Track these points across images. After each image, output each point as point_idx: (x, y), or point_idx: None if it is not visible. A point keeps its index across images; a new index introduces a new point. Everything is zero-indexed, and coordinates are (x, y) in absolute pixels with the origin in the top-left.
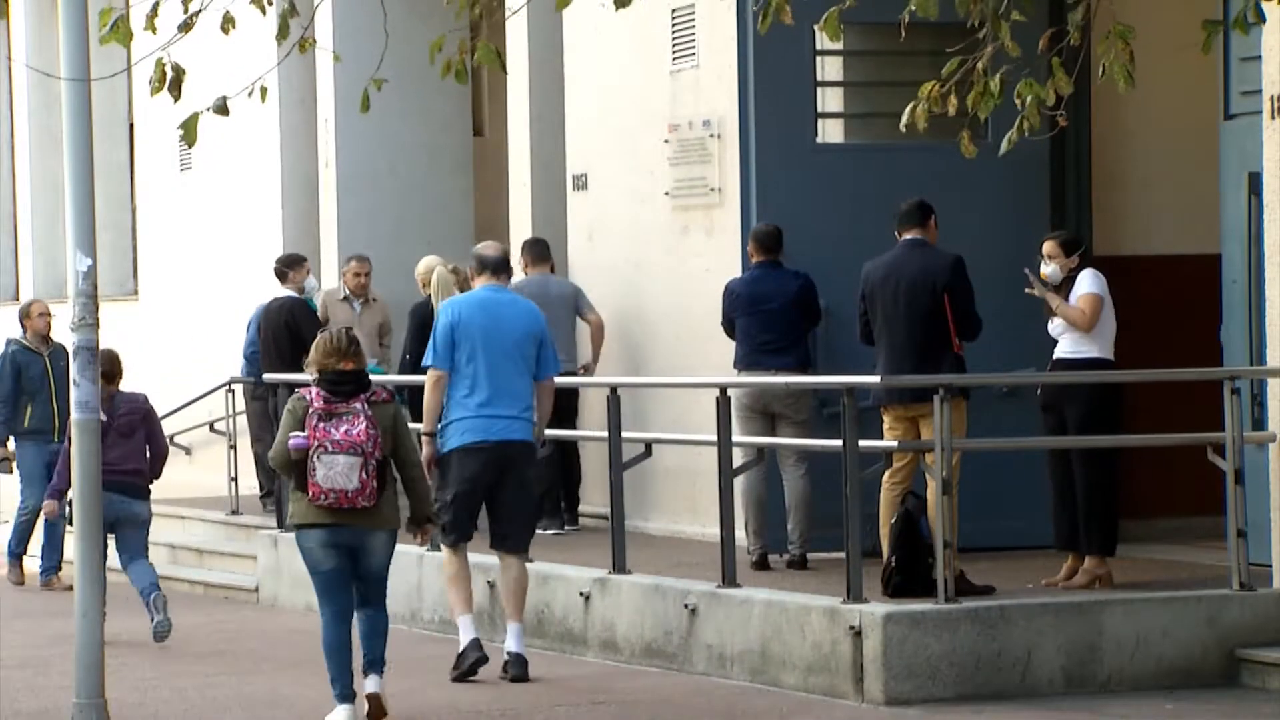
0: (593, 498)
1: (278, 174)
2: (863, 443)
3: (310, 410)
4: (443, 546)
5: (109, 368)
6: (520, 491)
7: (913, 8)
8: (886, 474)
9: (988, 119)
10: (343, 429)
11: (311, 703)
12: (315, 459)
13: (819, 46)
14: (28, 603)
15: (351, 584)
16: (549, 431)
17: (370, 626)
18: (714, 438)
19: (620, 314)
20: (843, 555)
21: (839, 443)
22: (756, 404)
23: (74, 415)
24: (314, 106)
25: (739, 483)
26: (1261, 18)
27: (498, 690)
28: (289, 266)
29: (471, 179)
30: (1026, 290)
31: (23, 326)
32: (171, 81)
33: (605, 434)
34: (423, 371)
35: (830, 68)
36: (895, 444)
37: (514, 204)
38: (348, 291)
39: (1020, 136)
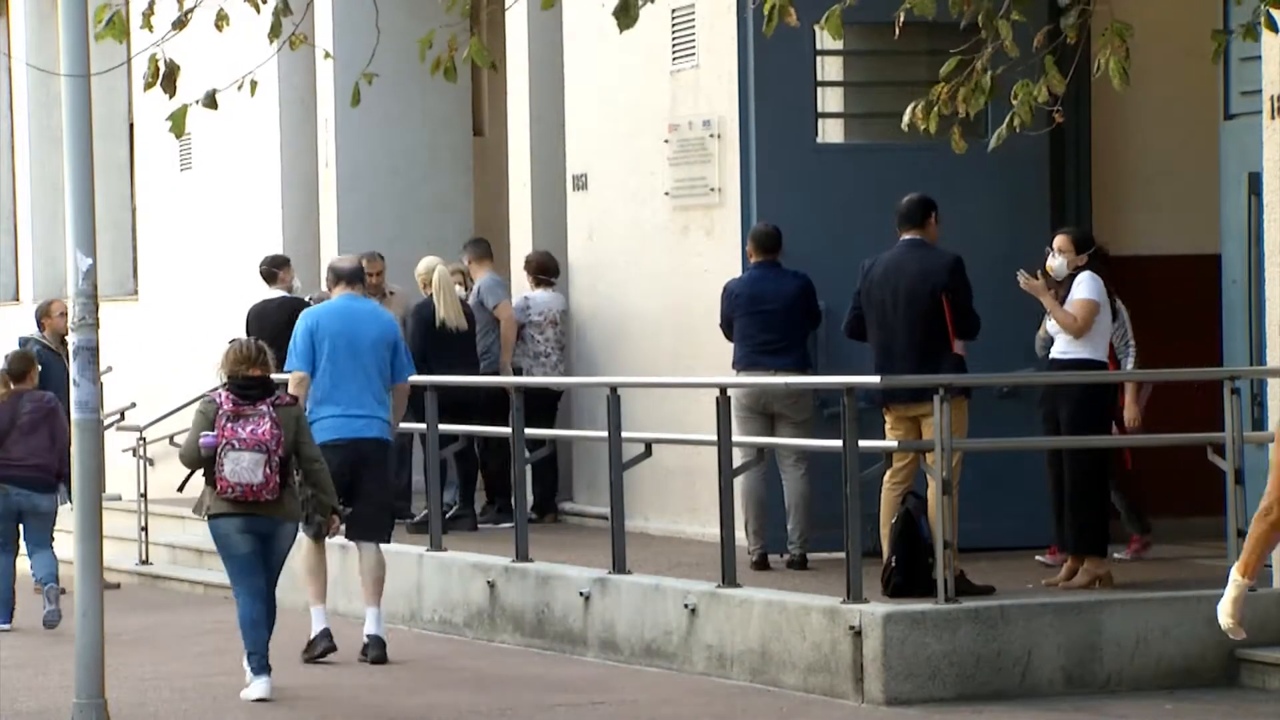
0: (593, 498)
1: (278, 174)
2: (863, 443)
3: (219, 411)
4: (305, 538)
5: (23, 366)
6: (374, 485)
7: (907, 5)
8: (887, 474)
9: (987, 117)
10: (249, 428)
11: (312, 703)
12: (223, 455)
13: (819, 46)
14: (28, 603)
15: (262, 566)
16: (546, 432)
17: (264, 618)
18: (714, 438)
19: (620, 314)
20: (842, 555)
21: (839, 443)
22: (756, 404)
23: (74, 415)
24: (314, 106)
25: (739, 483)
26: (1275, 28)
27: (498, 690)
28: (277, 267)
29: (471, 179)
30: (1021, 282)
31: (40, 325)
32: (165, 76)
33: (605, 434)
34: (422, 372)
35: (830, 68)
36: (895, 444)
37: (514, 204)
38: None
39: (1011, 133)
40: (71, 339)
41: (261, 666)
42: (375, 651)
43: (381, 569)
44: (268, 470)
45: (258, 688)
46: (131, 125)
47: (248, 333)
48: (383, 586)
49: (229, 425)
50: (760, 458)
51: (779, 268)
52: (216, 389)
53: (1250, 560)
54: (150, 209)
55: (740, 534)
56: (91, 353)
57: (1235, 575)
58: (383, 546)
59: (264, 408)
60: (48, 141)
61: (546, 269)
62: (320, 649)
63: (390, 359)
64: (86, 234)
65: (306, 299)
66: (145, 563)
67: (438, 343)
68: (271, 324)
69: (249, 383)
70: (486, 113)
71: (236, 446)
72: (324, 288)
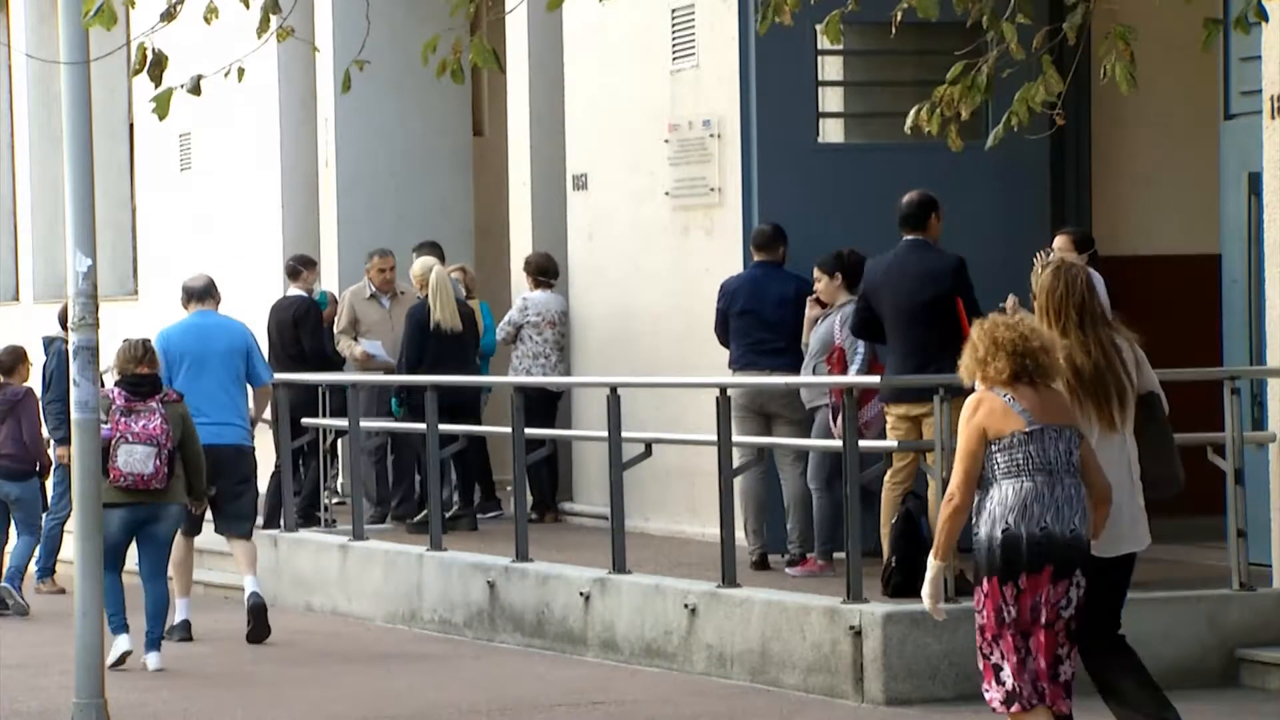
0: (593, 497)
1: (278, 174)
2: (863, 443)
3: (114, 406)
4: (178, 534)
5: (10, 361)
6: (235, 486)
7: (905, 5)
8: (888, 474)
9: (988, 117)
10: (141, 423)
11: (312, 703)
12: (117, 448)
13: (819, 46)
14: (28, 603)
15: (127, 552)
16: (546, 431)
17: (155, 605)
18: (714, 438)
19: (620, 314)
20: (842, 555)
21: (839, 443)
22: (753, 404)
23: (74, 415)
24: (314, 106)
25: (738, 483)
26: (1264, 16)
27: (498, 690)
28: (302, 265)
29: (471, 179)
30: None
31: (63, 325)
32: (151, 65)
33: (605, 434)
34: (417, 373)
35: (831, 67)
36: (895, 444)
37: (514, 204)
38: (374, 289)
39: (1010, 133)
40: (72, 339)
41: (122, 626)
42: (253, 601)
43: (252, 552)
44: (158, 462)
45: (121, 643)
46: (131, 125)
47: (267, 329)
48: (256, 562)
49: (122, 420)
50: (760, 458)
51: (777, 268)
52: (111, 387)
53: (941, 544)
54: (150, 209)
55: (741, 534)
56: (91, 353)
57: (931, 559)
58: (384, 547)
59: (154, 404)
60: (48, 141)
61: (545, 270)
62: (176, 636)
63: (245, 366)
64: (86, 234)
65: (321, 299)
66: None
67: (433, 344)
68: (277, 322)
69: (139, 380)
70: (486, 113)
71: (130, 440)
72: (320, 286)
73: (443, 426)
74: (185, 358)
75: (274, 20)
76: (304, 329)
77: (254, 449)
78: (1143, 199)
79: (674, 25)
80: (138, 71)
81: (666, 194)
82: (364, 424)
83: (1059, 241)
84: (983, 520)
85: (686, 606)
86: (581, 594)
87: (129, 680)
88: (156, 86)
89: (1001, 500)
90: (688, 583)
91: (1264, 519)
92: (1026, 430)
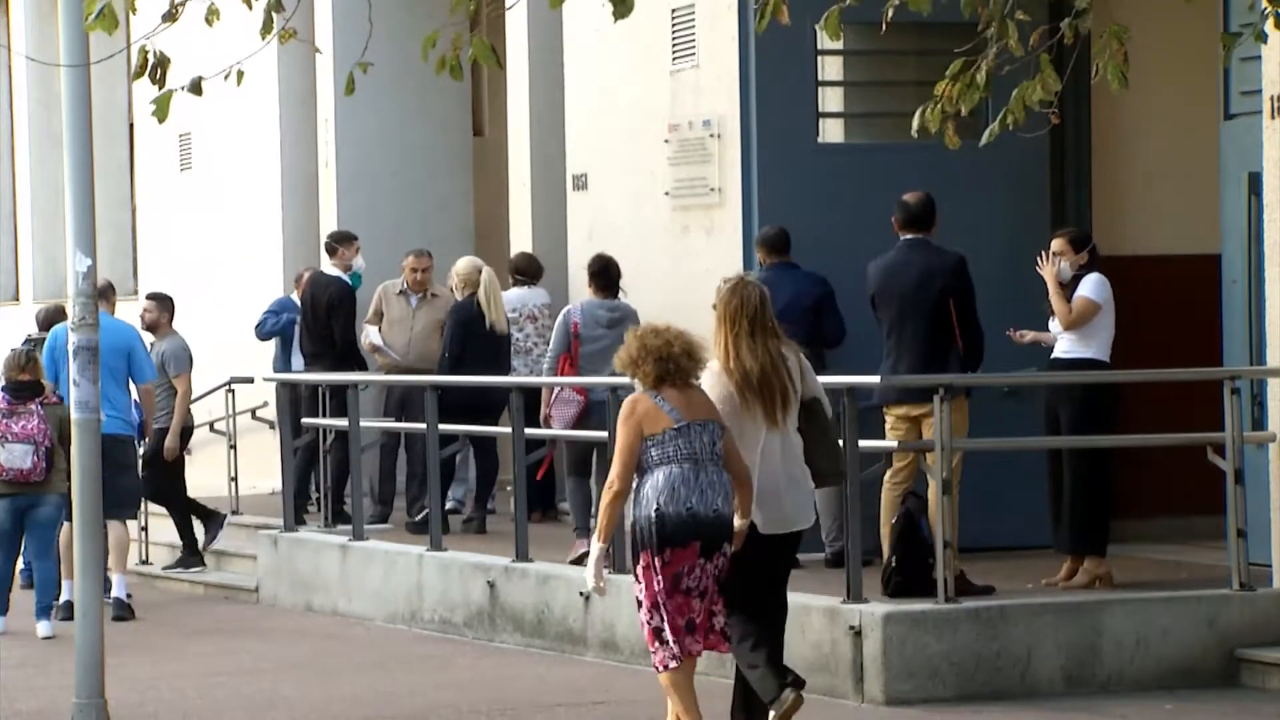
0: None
1: (278, 174)
2: (863, 443)
3: None
4: (65, 524)
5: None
6: (116, 474)
7: (897, 2)
8: (887, 474)
9: (986, 116)
10: (20, 424)
11: (312, 703)
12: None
13: (820, 46)
14: (27, 603)
15: (18, 537)
16: (546, 432)
17: (43, 578)
18: None
19: None
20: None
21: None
22: None
23: (74, 415)
24: (314, 106)
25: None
26: None
27: (498, 690)
28: (340, 243)
29: (471, 179)
30: (1037, 268)
31: (41, 327)
32: (153, 67)
33: (605, 434)
34: (455, 373)
35: (831, 67)
36: (895, 444)
37: (514, 204)
38: (405, 285)
39: (1005, 130)
40: (72, 339)
41: (4, 608)
42: (117, 611)
43: (125, 540)
44: (35, 458)
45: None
46: (131, 125)
47: (301, 301)
48: (126, 556)
49: (4, 421)
50: None
51: (795, 269)
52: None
53: (603, 526)
54: (150, 209)
55: None
56: (91, 353)
57: (594, 540)
58: (384, 547)
59: (34, 406)
60: (48, 141)
61: (522, 270)
62: (60, 615)
63: (127, 365)
64: (86, 234)
65: (356, 277)
66: (145, 562)
67: (479, 344)
68: (312, 300)
69: (20, 385)
70: (486, 113)
71: (9, 440)
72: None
73: (465, 428)
74: (65, 355)
75: (277, 21)
76: (336, 318)
77: (133, 439)
78: (1143, 199)
79: (674, 25)
80: (139, 75)
81: (666, 194)
82: (372, 423)
83: (1056, 243)
84: (639, 503)
85: None
86: (581, 594)
87: (129, 680)
88: (160, 88)
89: (654, 485)
90: None
91: (1264, 519)
92: (675, 426)
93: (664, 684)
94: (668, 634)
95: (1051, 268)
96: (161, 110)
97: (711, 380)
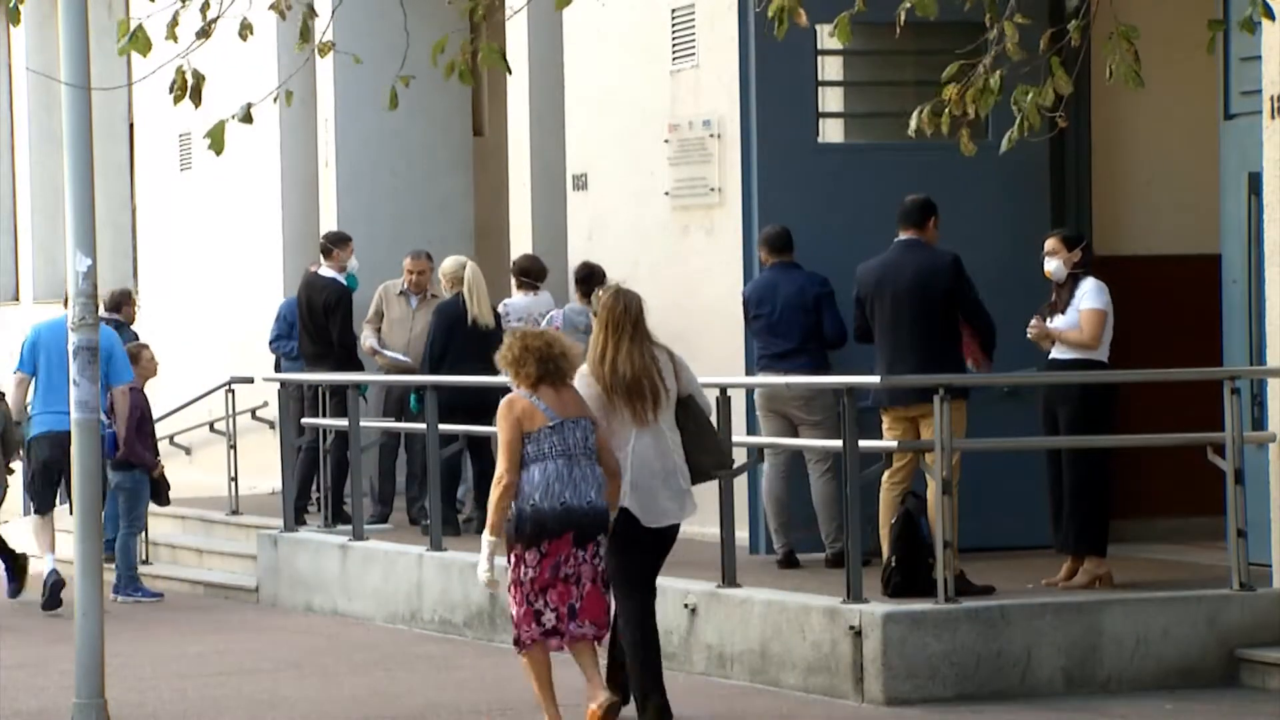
0: None
1: (278, 174)
2: (863, 443)
3: None
4: (32, 513)
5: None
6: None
7: (908, 5)
8: (886, 474)
9: (988, 118)
10: None
11: (312, 703)
12: None
13: (820, 46)
14: (28, 603)
15: None
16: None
17: None
18: None
19: None
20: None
21: (839, 443)
22: (772, 405)
23: (74, 415)
24: (314, 106)
25: (762, 482)
26: (1270, 15)
27: (498, 690)
28: (335, 244)
29: (471, 179)
30: (1031, 335)
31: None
32: (193, 89)
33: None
34: (440, 372)
35: (831, 67)
36: (895, 444)
37: (514, 204)
38: (405, 286)
39: (1021, 136)
40: (72, 339)
41: None
42: (53, 578)
43: (52, 524)
44: None
45: None
46: (131, 125)
47: (298, 303)
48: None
49: None
50: (759, 458)
51: (796, 269)
52: None
53: (493, 520)
54: (150, 209)
55: (741, 534)
56: (91, 353)
57: (485, 535)
58: (384, 547)
59: None
60: (48, 142)
61: (527, 272)
62: (50, 584)
63: (106, 367)
64: (86, 234)
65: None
66: (145, 562)
67: (466, 340)
68: (308, 301)
69: None
70: (486, 113)
71: None
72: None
73: (462, 428)
74: (45, 351)
75: (314, 33)
76: (334, 321)
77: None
78: (1143, 199)
79: (674, 25)
80: (179, 98)
81: (666, 194)
82: (372, 423)
83: (1049, 243)
84: (518, 497)
85: (686, 606)
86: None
87: (129, 680)
88: (197, 108)
89: (530, 481)
90: (688, 583)
91: (1264, 519)
92: (550, 424)
93: (523, 663)
94: (549, 616)
95: (1041, 327)
96: (217, 143)
97: (581, 382)
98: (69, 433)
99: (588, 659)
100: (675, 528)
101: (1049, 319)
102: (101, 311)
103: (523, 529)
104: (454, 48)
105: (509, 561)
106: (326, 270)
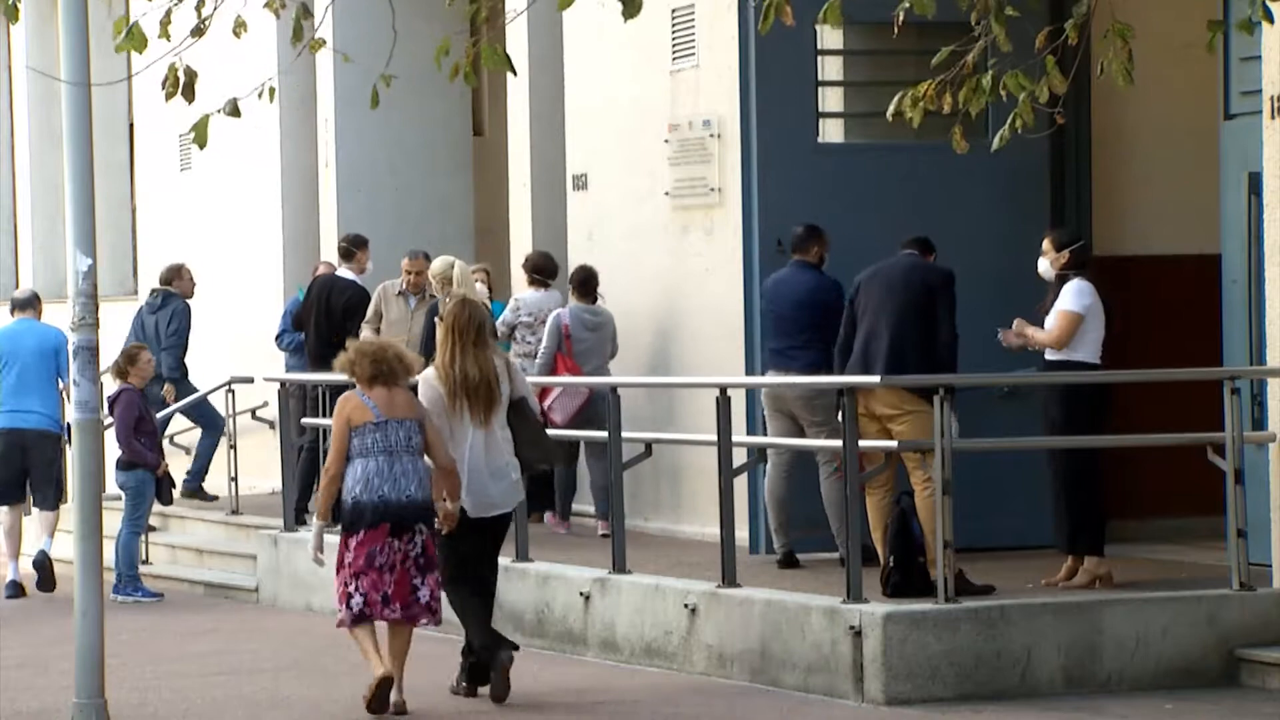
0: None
1: (278, 174)
2: (863, 443)
3: None
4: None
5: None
6: (42, 465)
7: (907, 4)
8: (867, 482)
9: (987, 117)
10: None
11: (312, 703)
12: None
13: (820, 46)
14: (27, 603)
15: None
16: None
17: None
18: (714, 438)
19: (620, 314)
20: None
21: (839, 443)
22: (778, 405)
23: (74, 415)
24: (314, 106)
25: (766, 482)
26: (1270, 18)
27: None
28: (355, 247)
29: (471, 179)
30: (1003, 341)
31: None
32: (185, 86)
33: (605, 434)
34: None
35: (831, 67)
36: (895, 444)
37: (514, 204)
38: (403, 287)
39: (1014, 133)
40: (71, 339)
41: None
42: (39, 558)
43: (53, 522)
44: None
45: None
46: (131, 125)
47: (315, 303)
48: (55, 529)
49: None
50: (760, 458)
51: (806, 268)
52: None
53: (321, 505)
54: (150, 209)
55: (741, 534)
56: (91, 353)
57: (314, 519)
58: None
59: None
60: (48, 141)
61: (541, 269)
62: (9, 594)
63: (56, 365)
64: (86, 234)
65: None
66: (145, 562)
67: None
68: (327, 303)
69: None
70: (486, 113)
71: None
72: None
73: None
74: (4, 357)
75: (306, 30)
76: (352, 323)
77: (59, 434)
78: (1143, 199)
79: (674, 25)
80: (171, 94)
81: (666, 194)
82: None
83: (1045, 244)
84: (343, 490)
85: (686, 606)
86: (581, 594)
87: (129, 680)
88: (190, 104)
89: (353, 475)
90: (688, 583)
91: (1264, 519)
92: (375, 422)
93: (351, 635)
94: (357, 600)
95: (1016, 339)
96: (201, 136)
97: (425, 386)
98: (31, 431)
99: (396, 643)
100: (505, 516)
101: (1046, 319)
102: (156, 284)
103: (343, 518)
104: (458, 49)
105: (338, 549)
106: (346, 272)
